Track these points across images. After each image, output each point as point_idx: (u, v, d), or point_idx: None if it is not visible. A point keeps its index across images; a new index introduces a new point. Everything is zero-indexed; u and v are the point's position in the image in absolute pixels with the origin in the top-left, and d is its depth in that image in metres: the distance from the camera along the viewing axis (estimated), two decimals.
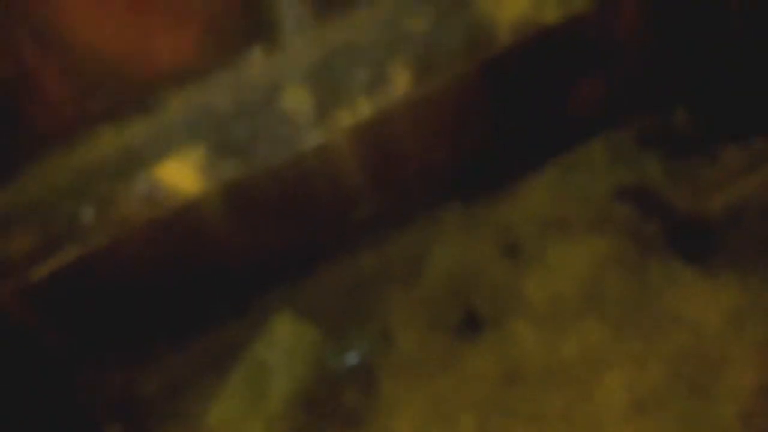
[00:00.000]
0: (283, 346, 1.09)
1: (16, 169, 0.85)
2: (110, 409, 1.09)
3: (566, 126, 1.21)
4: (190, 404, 1.10)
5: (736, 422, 1.04)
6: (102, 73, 0.84)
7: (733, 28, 1.07)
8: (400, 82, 0.90)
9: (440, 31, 0.90)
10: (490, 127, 1.12)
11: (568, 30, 0.99)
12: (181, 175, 0.85)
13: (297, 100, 0.87)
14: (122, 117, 0.87)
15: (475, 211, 1.28)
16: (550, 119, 1.18)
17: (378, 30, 0.91)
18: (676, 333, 1.13)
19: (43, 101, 0.83)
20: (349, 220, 1.14)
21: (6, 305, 0.87)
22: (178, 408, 1.10)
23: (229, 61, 0.89)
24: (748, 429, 1.02)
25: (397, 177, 1.12)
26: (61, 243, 0.83)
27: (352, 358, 1.13)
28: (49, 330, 0.96)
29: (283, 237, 1.08)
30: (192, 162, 0.85)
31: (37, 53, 0.80)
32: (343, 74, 0.88)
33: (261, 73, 0.90)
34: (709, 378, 1.08)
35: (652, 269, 1.21)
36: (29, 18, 0.77)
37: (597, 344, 1.15)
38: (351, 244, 1.21)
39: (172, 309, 1.04)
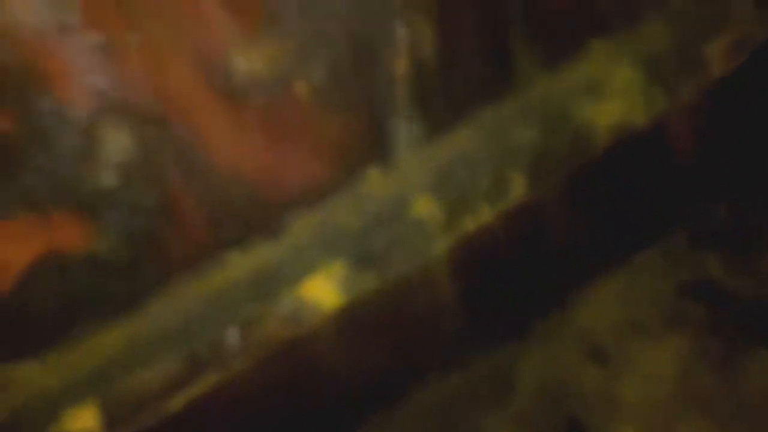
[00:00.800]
0: None
1: (148, 295, 0.83)
2: None
3: (634, 229, 1.26)
4: None
5: None
6: (237, 198, 0.85)
7: None
8: (518, 188, 0.94)
9: (547, 139, 0.96)
10: (574, 232, 1.16)
11: (651, 133, 1.08)
12: (324, 291, 0.84)
13: (426, 209, 0.90)
14: (252, 240, 0.87)
15: (553, 318, 1.28)
16: (623, 222, 1.23)
17: (487, 142, 0.96)
18: None
19: (180, 227, 0.83)
20: (439, 336, 1.13)
21: None
22: None
23: (350, 180, 0.92)
24: None
25: (488, 288, 1.13)
26: (204, 368, 0.79)
27: None
28: None
29: (383, 355, 1.06)
30: (333, 277, 0.85)
31: (182, 179, 0.81)
32: (464, 183, 0.92)
33: (381, 188, 0.93)
34: None
35: (741, 361, 1.22)
36: (176, 143, 0.79)
37: None
38: (438, 364, 1.18)
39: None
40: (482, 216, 0.93)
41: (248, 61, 0.77)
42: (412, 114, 0.93)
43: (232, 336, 0.80)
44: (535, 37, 0.96)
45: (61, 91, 0.70)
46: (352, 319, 0.93)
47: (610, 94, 0.99)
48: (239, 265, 0.86)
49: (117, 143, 0.75)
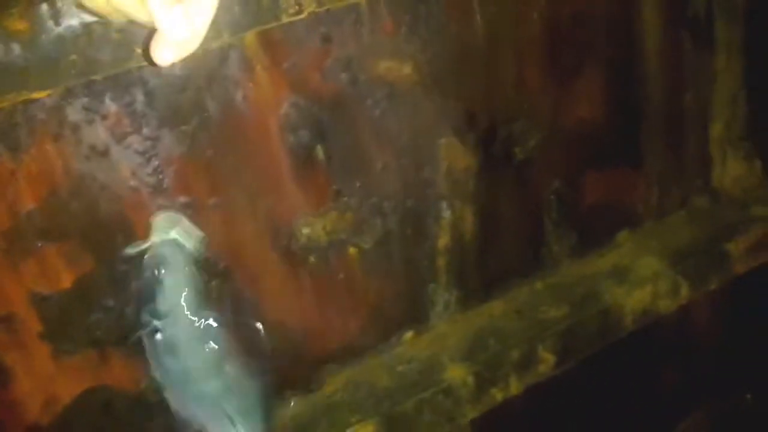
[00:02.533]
0: None
1: None
2: None
3: (653, 416, 1.27)
4: None
5: None
6: (277, 350, 0.90)
7: None
8: (546, 364, 0.98)
9: (576, 318, 1.01)
10: (591, 413, 1.17)
11: (666, 320, 1.12)
12: None
13: (458, 376, 0.93)
14: (287, 393, 0.91)
15: None
16: (641, 407, 1.24)
17: (519, 316, 1.02)
18: None
19: None
20: None
21: None
22: None
23: (385, 342, 0.97)
24: None
25: None
26: None
27: None
28: None
29: None
30: None
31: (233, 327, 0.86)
32: (496, 354, 0.96)
33: (414, 352, 0.98)
34: None
35: None
36: (233, 293, 0.85)
37: None
38: None
39: None
40: (511, 387, 0.96)
41: (311, 228, 0.85)
42: (449, 284, 0.99)
43: None
44: (568, 225, 1.05)
45: (143, 241, 0.78)
46: None
47: (636, 280, 1.05)
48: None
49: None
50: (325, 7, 0.70)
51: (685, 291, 1.07)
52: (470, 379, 0.93)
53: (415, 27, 0.84)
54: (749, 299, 1.22)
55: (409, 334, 0.99)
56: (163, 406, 0.83)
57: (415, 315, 0.99)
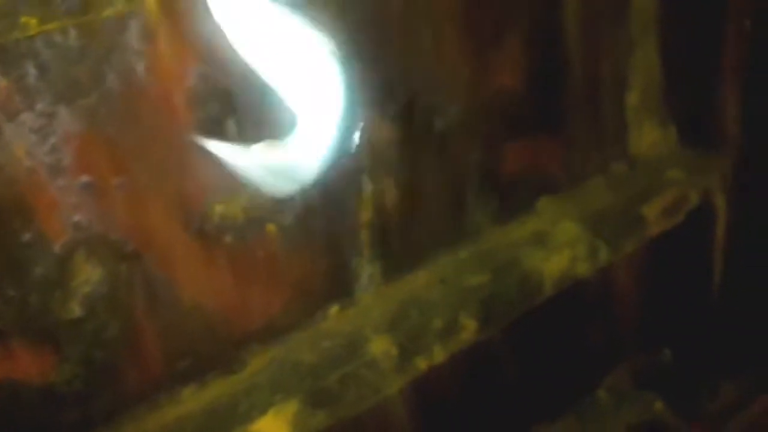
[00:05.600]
0: None
1: (100, 426, 0.83)
2: None
3: (581, 370, 1.31)
4: None
5: None
6: (196, 333, 0.87)
7: (714, 288, 1.27)
8: (468, 331, 0.99)
9: (497, 285, 1.02)
10: (522, 373, 1.20)
11: (587, 282, 1.15)
12: (276, 429, 0.85)
13: (382, 348, 0.93)
14: (208, 376, 0.89)
15: None
16: (566, 366, 1.28)
17: (441, 285, 1.02)
18: None
19: (138, 360, 0.84)
20: None
21: None
22: None
23: (309, 318, 0.96)
24: None
25: (442, 426, 1.15)
26: None
27: None
28: None
29: None
30: (285, 416, 0.86)
31: (145, 312, 0.83)
32: (419, 324, 0.96)
33: (339, 327, 0.97)
34: None
35: None
36: (145, 278, 0.82)
37: None
38: None
39: None
40: (435, 356, 0.97)
41: (225, 207, 0.83)
42: (373, 257, 0.99)
43: None
44: (489, 193, 1.05)
45: (43, 225, 0.74)
46: None
47: (555, 246, 1.07)
48: (194, 400, 0.87)
49: (88, 275, 0.78)
50: None
51: (603, 254, 1.10)
52: (393, 350, 0.93)
53: None
54: (665, 259, 1.27)
55: (334, 309, 0.98)
56: (75, 395, 0.80)
57: (340, 289, 0.98)
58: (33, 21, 0.63)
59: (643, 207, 1.14)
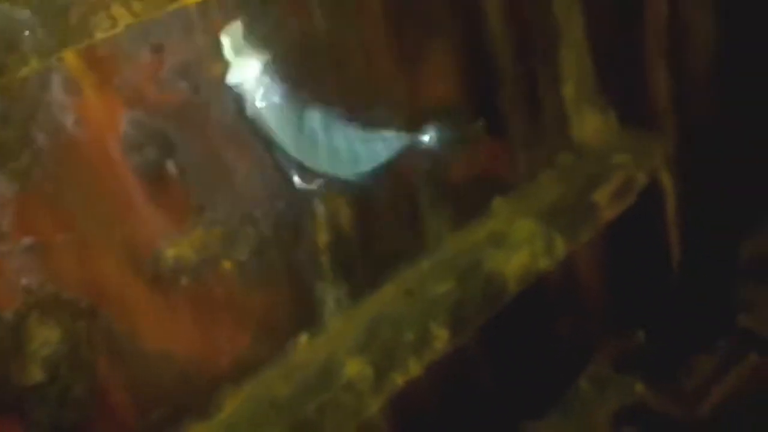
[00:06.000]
0: None
1: None
2: None
3: (560, 363, 1.32)
4: None
5: None
6: (165, 381, 0.86)
7: (674, 263, 1.30)
8: (441, 340, 0.99)
9: (462, 291, 1.02)
10: (500, 374, 1.20)
11: (548, 277, 1.17)
12: None
13: (356, 370, 0.92)
14: (184, 423, 0.87)
15: None
16: (543, 363, 1.29)
17: (408, 299, 1.02)
18: None
19: (109, 414, 0.82)
20: None
21: None
22: None
23: (282, 349, 0.95)
24: None
25: None
26: None
27: None
28: None
29: None
30: None
31: (110, 366, 0.81)
32: (391, 340, 0.96)
33: (311, 355, 0.96)
34: None
35: None
36: (105, 332, 0.80)
37: None
38: None
39: None
40: (411, 370, 0.96)
41: (177, 249, 0.82)
42: (336, 280, 0.98)
43: None
44: (442, 201, 1.06)
45: None
46: None
47: (514, 244, 1.08)
48: None
49: (45, 338, 0.76)
50: (143, 18, 0.66)
51: (560, 246, 1.11)
52: (368, 371, 0.92)
53: (252, 26, 0.82)
54: (622, 242, 1.29)
55: (303, 338, 0.97)
56: None
57: (307, 317, 0.97)
58: None
59: (594, 194, 1.16)
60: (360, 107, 0.93)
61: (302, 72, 0.87)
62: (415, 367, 0.97)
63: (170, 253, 0.82)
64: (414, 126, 0.88)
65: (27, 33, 0.58)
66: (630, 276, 1.35)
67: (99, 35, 0.63)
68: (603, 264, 1.32)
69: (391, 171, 0.99)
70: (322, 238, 0.95)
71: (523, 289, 1.10)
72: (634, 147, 1.23)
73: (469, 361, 1.14)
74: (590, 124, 1.25)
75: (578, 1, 1.14)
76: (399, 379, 0.96)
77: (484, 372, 1.20)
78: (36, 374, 0.76)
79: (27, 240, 0.73)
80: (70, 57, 0.69)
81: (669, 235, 1.27)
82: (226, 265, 0.87)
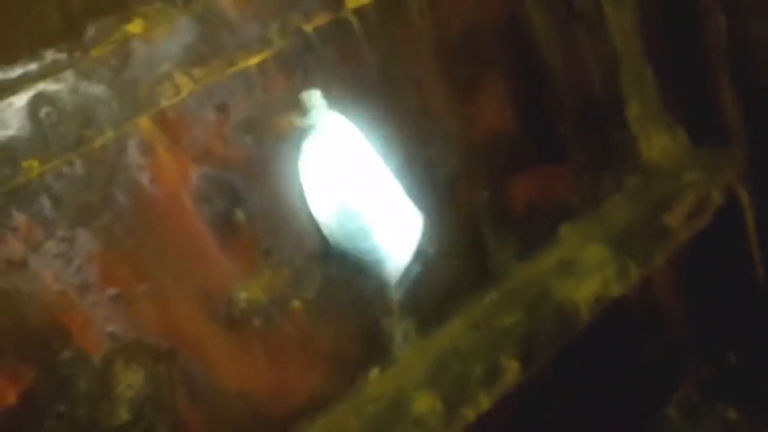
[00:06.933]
0: None
1: None
2: None
3: (640, 396, 1.27)
4: None
5: None
6: (242, 418, 0.89)
7: (759, 280, 1.23)
8: (512, 372, 0.98)
9: (532, 321, 1.01)
10: (578, 406, 1.18)
11: (625, 302, 1.14)
12: None
13: (426, 405, 0.93)
14: None
15: None
16: (627, 391, 1.25)
17: (476, 331, 1.02)
18: None
19: None
20: None
21: None
22: None
23: (351, 385, 0.97)
24: None
25: None
26: None
27: None
28: None
29: None
30: None
31: (191, 405, 0.86)
32: (460, 374, 0.96)
33: (382, 389, 0.98)
34: None
35: None
36: (184, 373, 0.85)
37: None
38: None
39: None
40: (481, 404, 0.96)
41: (248, 292, 0.86)
42: (403, 314, 1.00)
43: None
44: (506, 231, 1.06)
45: (80, 341, 0.78)
46: None
47: (584, 271, 1.06)
48: None
49: (130, 381, 0.82)
50: (204, 83, 0.71)
51: (633, 271, 1.08)
52: (438, 405, 0.93)
53: (308, 79, 0.86)
54: (703, 262, 1.24)
55: (374, 373, 0.99)
56: None
57: (376, 352, 0.99)
58: (35, 164, 0.68)
59: (665, 215, 1.12)
60: (417, 143, 0.96)
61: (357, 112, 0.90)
62: (485, 401, 0.97)
63: (242, 295, 0.86)
64: None
65: (102, 106, 0.64)
66: (715, 296, 1.29)
67: (165, 103, 0.68)
68: (685, 285, 1.27)
69: (450, 204, 1.01)
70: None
71: (600, 316, 1.07)
72: (707, 164, 1.19)
73: (547, 391, 1.12)
74: (658, 143, 1.22)
75: (635, 20, 1.12)
76: (469, 414, 0.96)
77: (563, 400, 1.17)
78: (123, 415, 0.81)
79: (111, 291, 0.79)
80: (144, 121, 0.75)
81: (751, 252, 1.21)
82: (296, 304, 0.90)
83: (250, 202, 0.85)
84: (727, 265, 1.25)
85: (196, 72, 0.69)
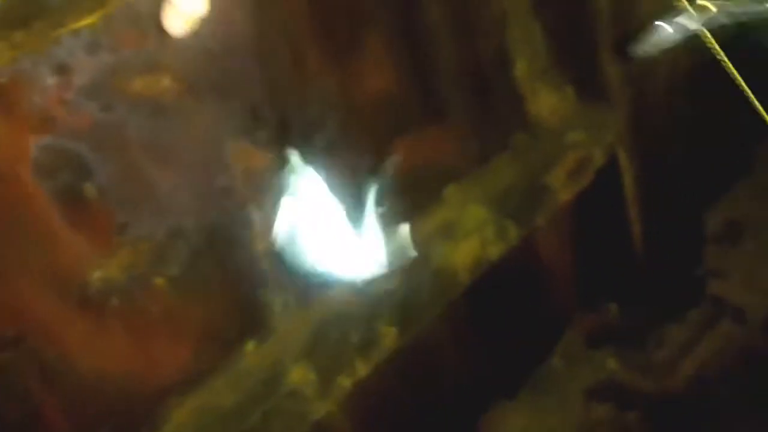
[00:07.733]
0: None
1: None
2: None
3: (525, 347, 1.31)
4: None
5: None
6: (106, 399, 0.85)
7: (636, 237, 1.27)
8: (389, 339, 0.98)
9: (411, 286, 1.01)
10: (463, 362, 1.20)
11: (507, 261, 1.15)
12: None
13: (301, 377, 0.92)
14: None
15: None
16: (512, 344, 1.28)
17: (358, 298, 1.01)
18: None
19: None
20: None
21: None
22: None
23: (226, 359, 0.94)
24: None
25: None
26: None
27: None
28: None
29: None
30: None
31: (46, 391, 0.81)
32: (337, 342, 0.95)
33: (258, 362, 0.95)
34: None
35: None
36: (36, 359, 0.80)
37: None
38: None
39: None
40: (357, 371, 0.96)
41: (103, 271, 0.80)
42: (280, 284, 0.97)
43: None
44: (392, 194, 1.03)
45: None
46: None
47: (464, 233, 1.06)
48: None
49: None
50: (31, 46, 0.63)
51: (512, 232, 1.09)
52: (312, 376, 0.92)
53: (163, 34, 0.79)
54: (585, 220, 1.27)
55: (250, 345, 0.96)
56: None
57: (253, 324, 0.96)
58: None
59: (547, 176, 1.13)
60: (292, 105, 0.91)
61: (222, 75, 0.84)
62: (362, 368, 0.96)
63: (97, 275, 0.81)
64: None
65: None
66: (595, 251, 1.33)
67: None
68: (566, 242, 1.30)
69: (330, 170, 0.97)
70: (261, 244, 0.93)
71: (480, 276, 1.08)
72: (592, 123, 1.20)
73: (434, 350, 1.13)
74: (547, 103, 1.21)
75: None
76: (346, 382, 0.95)
77: (449, 358, 1.19)
78: None
79: None
80: None
81: (629, 210, 1.24)
82: (158, 281, 0.85)
83: (100, 175, 0.78)
84: (607, 223, 1.29)
85: (18, 36, 0.61)
